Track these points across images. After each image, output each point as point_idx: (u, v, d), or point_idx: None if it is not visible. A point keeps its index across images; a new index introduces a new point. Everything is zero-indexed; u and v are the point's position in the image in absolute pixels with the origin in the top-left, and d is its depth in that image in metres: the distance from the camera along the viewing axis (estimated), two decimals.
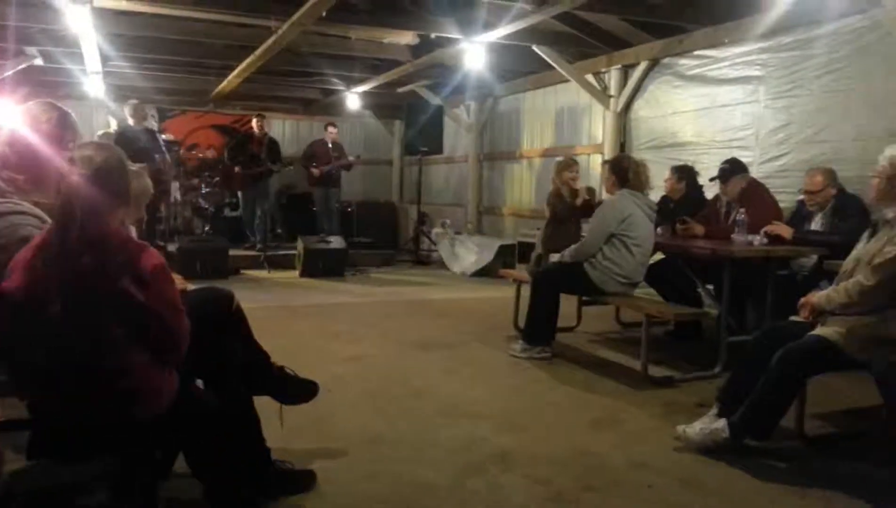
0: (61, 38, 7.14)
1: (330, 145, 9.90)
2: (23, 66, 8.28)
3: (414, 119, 9.75)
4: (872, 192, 3.04)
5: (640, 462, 2.98)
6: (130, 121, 8.04)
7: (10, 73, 8.35)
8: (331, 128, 10.04)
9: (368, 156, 12.24)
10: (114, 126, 8.70)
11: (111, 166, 1.97)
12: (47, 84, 9.57)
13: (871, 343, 2.83)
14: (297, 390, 2.72)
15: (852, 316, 2.89)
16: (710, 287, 4.60)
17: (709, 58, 6.41)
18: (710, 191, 5.42)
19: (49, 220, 2.12)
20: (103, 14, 6.43)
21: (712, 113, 6.39)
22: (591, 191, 5.53)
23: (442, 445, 3.12)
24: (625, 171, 4.54)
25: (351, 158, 9.85)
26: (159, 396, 1.97)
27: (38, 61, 8.22)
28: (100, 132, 8.39)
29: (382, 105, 11.55)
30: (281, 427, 2.64)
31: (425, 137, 9.63)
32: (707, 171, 5.52)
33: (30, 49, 7.89)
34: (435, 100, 10.18)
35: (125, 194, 2.02)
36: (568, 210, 5.30)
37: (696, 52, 6.53)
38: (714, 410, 3.16)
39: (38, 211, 2.15)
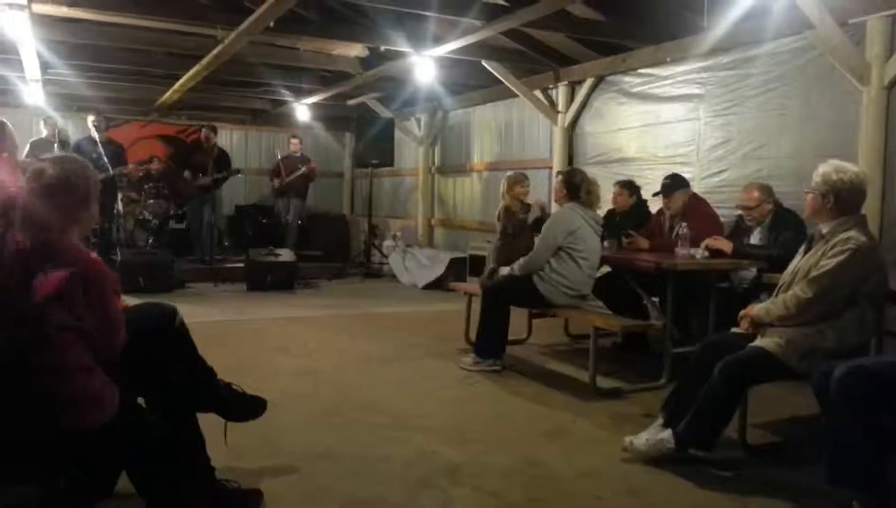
0: None
1: (293, 157, 9.85)
2: None
3: (364, 131, 9.73)
4: (807, 208, 3.15)
5: (589, 472, 3.01)
6: (93, 133, 7.84)
7: None
8: (292, 140, 10.03)
9: (319, 168, 12.15)
10: (45, 133, 8.40)
11: (62, 180, 1.94)
12: None
13: (809, 353, 2.92)
14: (244, 407, 2.67)
15: (791, 328, 2.99)
16: (656, 299, 4.69)
17: (652, 76, 6.58)
18: (654, 205, 5.55)
19: None
20: (42, 20, 6.24)
21: (655, 129, 6.56)
22: (542, 207, 5.58)
23: (393, 460, 3.10)
24: (577, 187, 4.63)
25: (298, 172, 9.77)
26: (99, 407, 1.93)
27: None
28: (31, 140, 8.13)
29: (332, 117, 11.50)
30: (225, 445, 2.59)
31: (376, 150, 9.61)
32: (651, 186, 5.66)
33: None
34: (385, 113, 10.20)
35: (76, 209, 1.98)
36: (519, 227, 5.34)
37: (639, 70, 6.69)
38: (660, 420, 3.22)
39: None
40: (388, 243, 10.21)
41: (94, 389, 1.94)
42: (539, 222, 5.29)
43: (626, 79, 6.89)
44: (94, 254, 2.03)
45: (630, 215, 5.56)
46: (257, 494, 2.59)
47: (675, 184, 5.12)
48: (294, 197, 9.83)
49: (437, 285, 8.41)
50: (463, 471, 2.99)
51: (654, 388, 4.21)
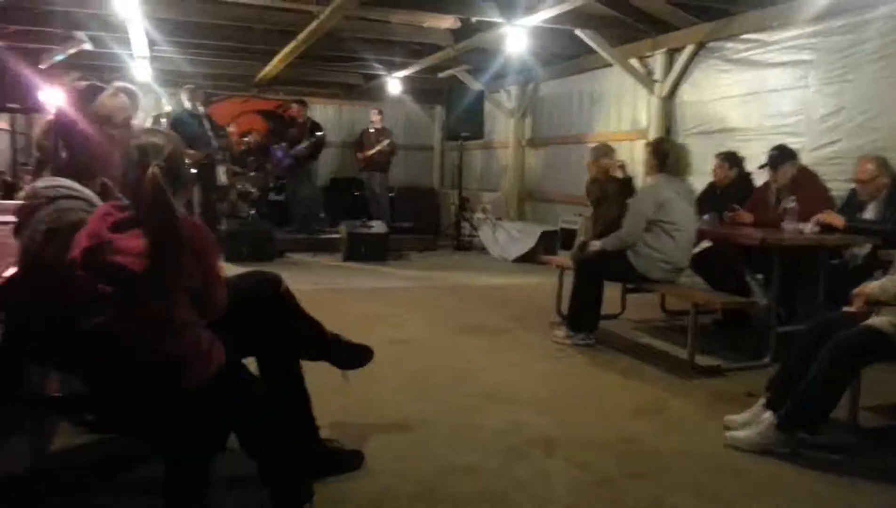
0: (109, 23, 7.27)
1: (372, 131, 10.05)
2: (72, 50, 8.46)
3: (455, 104, 9.75)
4: None
5: (686, 450, 2.96)
6: (187, 105, 8.19)
7: (60, 57, 8.54)
8: (373, 114, 10.18)
9: (409, 141, 12.29)
10: (167, 108, 8.88)
11: (177, 154, 2.06)
12: (96, 68, 9.75)
13: None
14: (353, 355, 2.76)
15: None
16: (759, 276, 4.52)
17: (757, 41, 6.26)
18: (759, 178, 5.31)
19: (98, 203, 2.18)
20: None
21: (760, 98, 6.25)
22: (622, 168, 5.42)
23: (485, 429, 3.14)
24: (665, 155, 4.50)
25: (379, 146, 9.93)
26: (206, 362, 2.02)
27: (88, 46, 8.37)
28: (153, 114, 8.57)
29: (423, 90, 11.53)
30: (347, 382, 2.71)
31: (466, 122, 9.62)
32: (754, 158, 5.41)
33: (79, 34, 8.05)
34: (476, 85, 10.13)
35: (185, 180, 2.10)
36: (612, 191, 5.22)
37: (743, 36, 6.38)
38: (762, 401, 3.11)
39: (88, 193, 2.19)
40: (478, 216, 10.22)
41: (202, 344, 2.04)
42: (625, 183, 5.16)
43: (729, 45, 6.58)
44: (196, 219, 2.13)
45: (732, 188, 5.35)
46: (359, 455, 2.68)
47: (782, 156, 4.87)
48: (377, 171, 10.02)
49: (528, 258, 8.38)
50: (556, 443, 2.99)
51: (756, 368, 4.06)
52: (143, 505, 2.40)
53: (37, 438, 2.64)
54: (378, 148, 9.87)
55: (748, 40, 6.35)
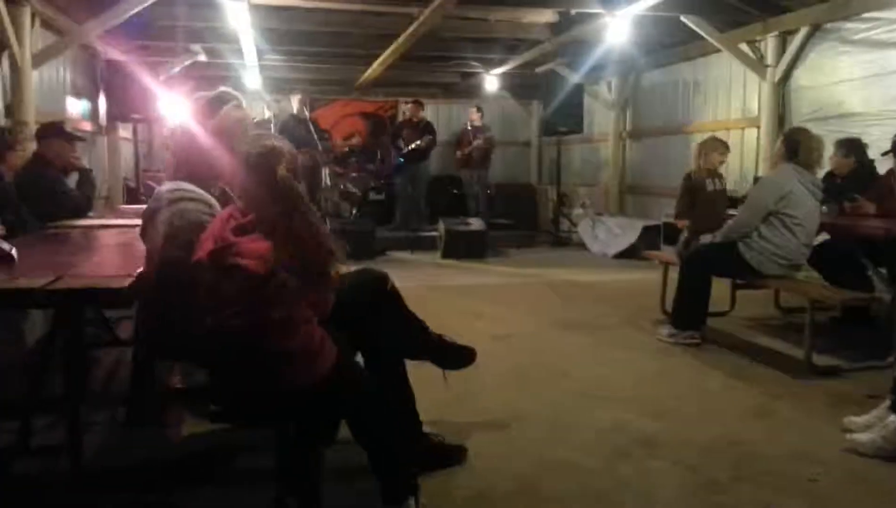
0: (222, 35, 7.67)
1: (470, 128, 10.12)
2: (188, 62, 8.99)
3: (553, 98, 9.63)
4: None
5: (801, 454, 2.81)
6: (294, 110, 8.54)
7: (177, 69, 9.09)
8: (471, 112, 10.26)
9: (506, 137, 12.26)
10: (268, 114, 9.27)
11: (308, 165, 2.14)
12: (210, 78, 10.29)
13: None
14: (457, 356, 2.79)
15: None
16: (882, 270, 4.23)
17: (879, 20, 5.84)
18: (882, 165, 4.97)
19: (216, 205, 2.30)
20: (258, 10, 6.84)
21: (883, 80, 5.84)
22: (719, 175, 5.18)
23: (588, 427, 3.10)
24: (796, 144, 4.22)
25: (477, 142, 9.96)
26: (318, 360, 2.09)
27: (202, 57, 8.88)
28: (257, 120, 8.97)
29: (520, 85, 11.47)
30: (445, 384, 2.74)
31: (565, 116, 9.49)
32: (878, 144, 5.06)
33: (194, 46, 8.54)
34: (574, 78, 9.96)
35: (313, 189, 2.18)
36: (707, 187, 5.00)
37: (864, 15, 5.97)
38: (887, 403, 2.91)
39: (206, 196, 2.31)
40: (577, 211, 10.08)
41: (314, 343, 2.11)
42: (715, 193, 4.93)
43: (848, 25, 6.18)
44: None
45: (853, 177, 5.02)
46: (462, 450, 2.72)
47: None
48: (476, 168, 10.06)
49: (629, 254, 8.18)
50: (660, 444, 2.92)
51: (879, 368, 3.80)
52: (257, 495, 2.52)
53: (160, 428, 2.84)
54: (474, 144, 9.91)
55: (869, 19, 5.94)
